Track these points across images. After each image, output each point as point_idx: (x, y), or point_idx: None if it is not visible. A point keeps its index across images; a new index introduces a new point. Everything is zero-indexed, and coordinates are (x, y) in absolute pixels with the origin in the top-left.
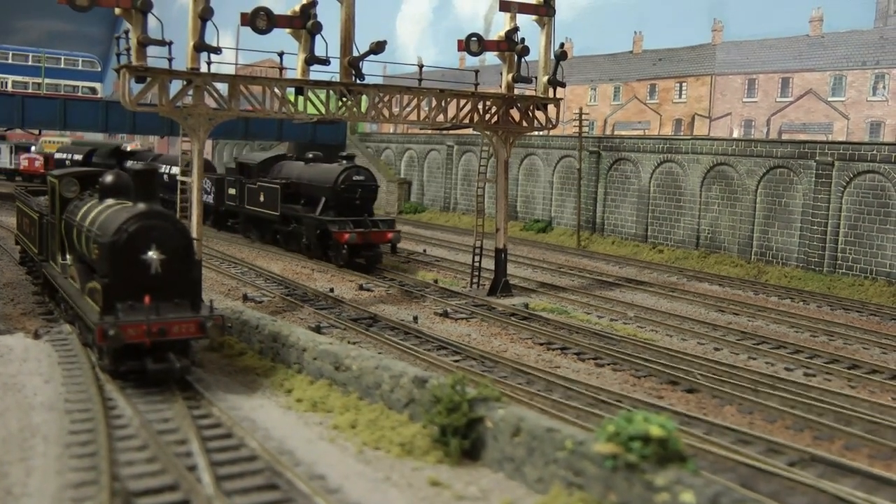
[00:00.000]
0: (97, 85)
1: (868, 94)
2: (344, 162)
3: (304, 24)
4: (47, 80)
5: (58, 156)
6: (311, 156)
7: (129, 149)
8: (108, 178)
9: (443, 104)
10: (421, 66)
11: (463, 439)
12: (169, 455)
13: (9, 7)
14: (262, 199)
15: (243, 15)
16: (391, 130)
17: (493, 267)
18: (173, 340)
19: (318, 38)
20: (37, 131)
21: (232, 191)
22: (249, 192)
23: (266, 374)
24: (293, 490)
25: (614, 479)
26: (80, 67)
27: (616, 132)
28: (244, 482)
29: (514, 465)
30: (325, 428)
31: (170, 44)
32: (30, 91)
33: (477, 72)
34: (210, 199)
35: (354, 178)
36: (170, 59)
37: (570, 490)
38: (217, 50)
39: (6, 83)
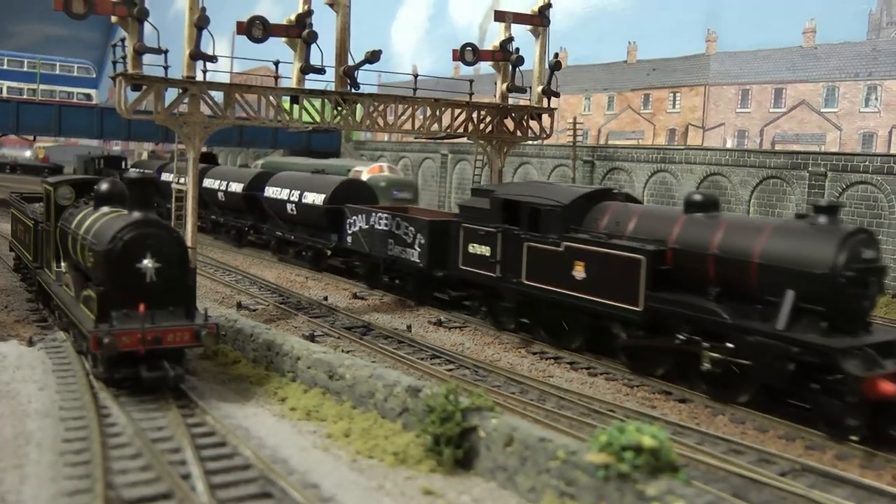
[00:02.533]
0: (92, 91)
1: (860, 106)
2: (834, 219)
3: (300, 33)
4: (42, 86)
5: (208, 184)
6: (698, 198)
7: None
8: (104, 186)
9: (437, 113)
10: (416, 76)
11: (456, 448)
12: (163, 463)
13: (3, 11)
14: (583, 275)
15: (239, 24)
16: (385, 138)
17: None
18: (168, 349)
19: (313, 46)
20: (31, 137)
21: (480, 249)
22: (540, 257)
23: (260, 383)
24: (287, 499)
25: (606, 489)
26: (75, 73)
27: (610, 142)
28: (238, 491)
29: (506, 475)
30: (318, 436)
31: (166, 52)
32: (25, 97)
33: (471, 81)
34: (408, 251)
35: (865, 257)
36: (165, 67)
37: (562, 499)
38: (213, 58)
39: (1, 89)
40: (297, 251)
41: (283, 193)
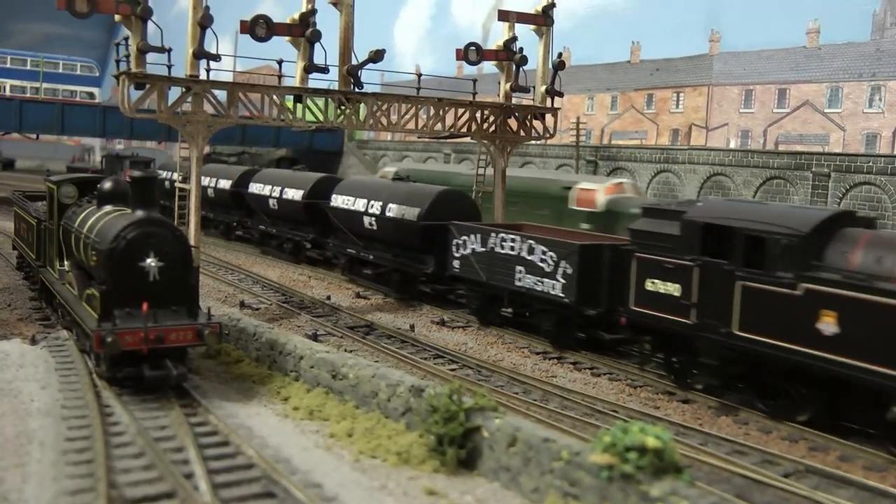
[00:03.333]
0: (95, 90)
1: (864, 106)
2: None
3: (304, 32)
4: (45, 85)
5: (256, 189)
6: None
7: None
8: (107, 185)
9: (441, 113)
10: (419, 75)
11: (459, 449)
12: (166, 462)
13: (7, 10)
14: (834, 329)
15: (243, 23)
16: (388, 138)
17: None
18: (170, 348)
19: (316, 46)
20: (35, 136)
21: (664, 286)
22: (762, 302)
23: (263, 382)
24: (290, 498)
25: (610, 490)
26: (78, 72)
27: (613, 142)
28: (241, 490)
29: (510, 475)
30: (321, 436)
31: (169, 51)
32: (28, 95)
33: (475, 81)
34: (546, 283)
35: None
36: (169, 66)
37: (565, 500)
38: (216, 57)
39: (4, 87)
40: (378, 274)
41: (359, 204)
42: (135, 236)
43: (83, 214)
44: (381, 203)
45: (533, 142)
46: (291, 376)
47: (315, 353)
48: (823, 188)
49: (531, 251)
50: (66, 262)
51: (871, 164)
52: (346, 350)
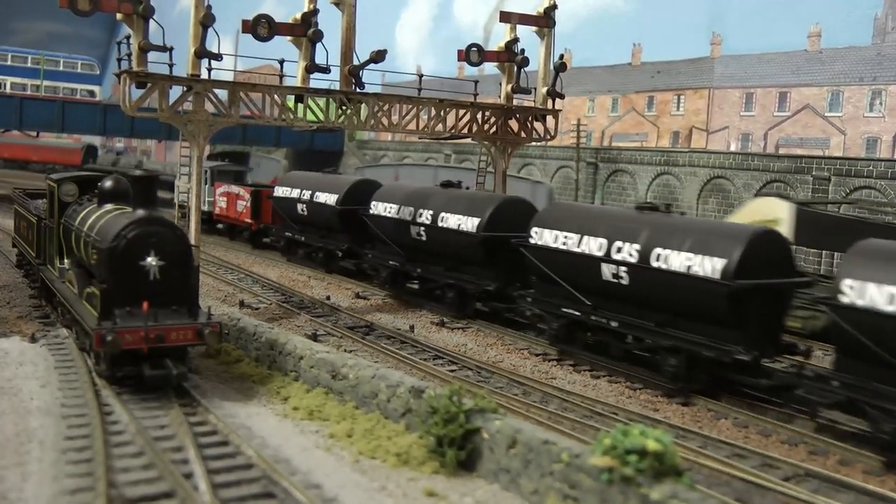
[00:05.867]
0: (96, 88)
1: (865, 110)
2: None
3: (305, 31)
4: (46, 83)
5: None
6: None
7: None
8: (108, 184)
9: (442, 114)
10: (420, 76)
11: (459, 450)
12: (165, 462)
13: (9, 8)
14: None
15: (245, 22)
16: (389, 138)
17: None
18: (170, 347)
19: (318, 45)
20: (35, 133)
21: None
22: None
23: (262, 382)
24: (289, 499)
25: (610, 493)
26: (79, 70)
27: (614, 144)
28: (240, 490)
29: (509, 477)
30: (321, 437)
31: (170, 49)
32: (28, 93)
33: (476, 82)
34: None
35: None
36: (170, 65)
37: (565, 503)
38: (218, 56)
39: (5, 84)
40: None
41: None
42: (135, 235)
43: (84, 213)
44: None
45: (534, 143)
46: (291, 376)
47: (315, 353)
48: (823, 192)
49: None
50: (66, 261)
51: (871, 168)
52: (345, 350)
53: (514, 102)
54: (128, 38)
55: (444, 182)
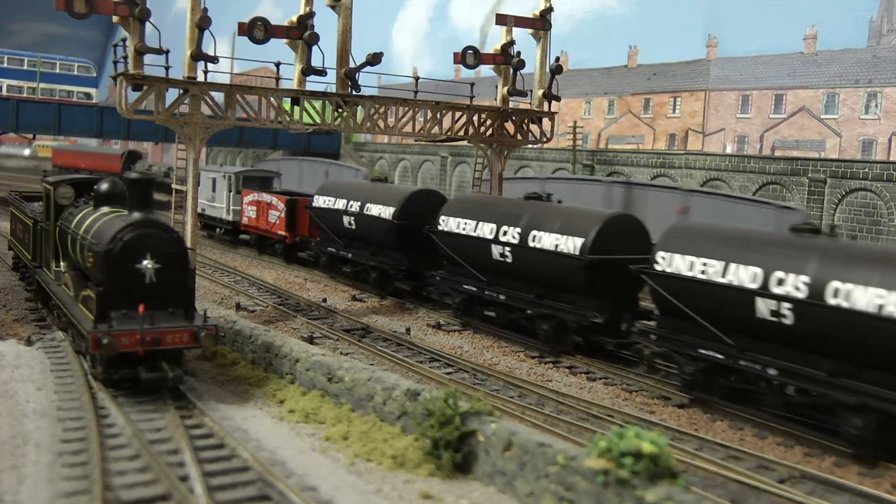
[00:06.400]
0: (92, 90)
1: (861, 113)
2: None
3: (301, 34)
4: (42, 85)
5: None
6: None
7: None
8: (104, 186)
9: (438, 116)
10: (416, 78)
11: (455, 452)
12: (161, 465)
13: (5, 10)
14: None
15: (241, 25)
16: (385, 140)
17: None
18: (167, 349)
19: (314, 48)
20: (31, 136)
21: None
22: None
23: (258, 385)
24: (285, 501)
25: (605, 495)
26: (75, 72)
27: (610, 146)
28: (236, 493)
29: (505, 479)
30: (317, 439)
31: (167, 52)
32: (25, 95)
33: (472, 84)
34: None
35: None
36: (167, 68)
37: None
38: (214, 59)
39: (1, 87)
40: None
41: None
42: (132, 238)
43: (80, 215)
44: (518, 230)
45: (530, 145)
46: (287, 379)
47: (311, 355)
48: (819, 194)
49: None
50: (62, 263)
51: (867, 170)
52: (341, 353)
53: (511, 105)
54: (124, 40)
55: (531, 194)
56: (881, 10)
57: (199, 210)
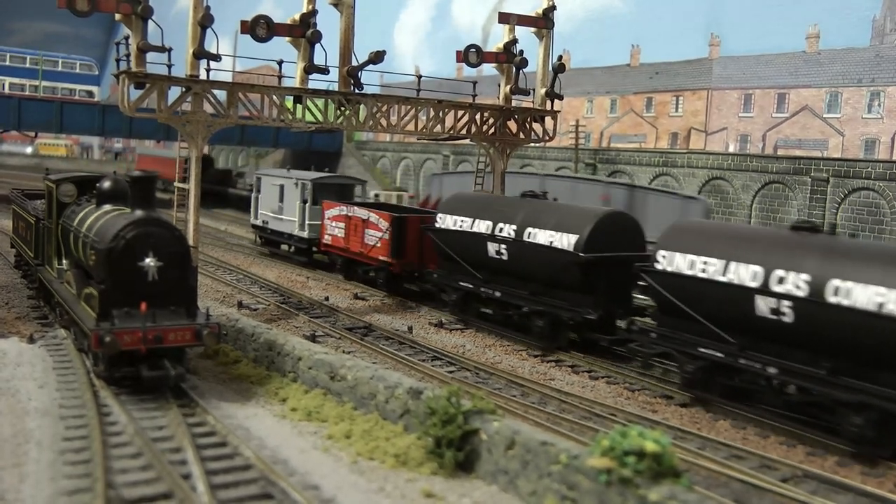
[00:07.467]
0: (94, 88)
1: (863, 112)
2: None
3: (304, 32)
4: (44, 83)
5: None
6: None
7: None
8: (106, 184)
9: (440, 115)
10: (419, 77)
11: (457, 451)
12: (163, 463)
13: (7, 8)
14: None
15: (243, 23)
16: (387, 139)
17: None
18: (169, 348)
19: (317, 46)
20: (33, 134)
21: None
22: None
23: (261, 383)
24: (287, 500)
25: (608, 494)
26: (77, 70)
27: (612, 145)
28: (238, 491)
29: (507, 478)
30: (319, 438)
31: (169, 50)
32: (27, 93)
33: (475, 83)
34: None
35: None
36: (169, 66)
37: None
38: (217, 57)
39: (3, 85)
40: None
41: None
42: (134, 236)
43: (82, 213)
44: (514, 227)
45: (532, 144)
46: (289, 377)
47: (313, 354)
48: (822, 193)
49: None
50: (64, 261)
51: (869, 169)
52: (344, 351)
53: (513, 103)
54: (126, 38)
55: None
56: (884, 10)
57: (259, 222)
